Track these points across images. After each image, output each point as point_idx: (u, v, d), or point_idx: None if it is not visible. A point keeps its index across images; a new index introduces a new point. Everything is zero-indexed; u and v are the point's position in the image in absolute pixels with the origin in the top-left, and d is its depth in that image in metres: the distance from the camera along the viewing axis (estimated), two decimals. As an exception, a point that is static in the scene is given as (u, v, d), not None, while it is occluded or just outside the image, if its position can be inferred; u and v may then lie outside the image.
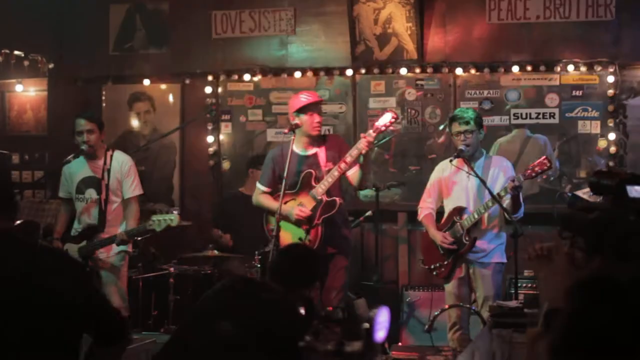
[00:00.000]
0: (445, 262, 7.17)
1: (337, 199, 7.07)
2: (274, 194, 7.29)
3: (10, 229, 3.77)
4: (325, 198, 7.03)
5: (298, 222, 7.01)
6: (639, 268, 2.02)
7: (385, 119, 6.88)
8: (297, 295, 4.50)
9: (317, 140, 7.24)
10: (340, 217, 7.21)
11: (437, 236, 7.18)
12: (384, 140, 8.49)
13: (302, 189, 7.02)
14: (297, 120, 7.14)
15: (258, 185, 7.44)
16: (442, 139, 8.92)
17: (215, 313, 4.30)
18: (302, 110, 7.14)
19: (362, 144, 6.79)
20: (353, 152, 6.86)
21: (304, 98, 7.19)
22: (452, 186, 7.23)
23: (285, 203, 7.05)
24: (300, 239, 6.91)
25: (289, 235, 7.10)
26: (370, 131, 6.87)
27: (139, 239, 8.37)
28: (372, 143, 6.84)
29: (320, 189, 7.02)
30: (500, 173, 7.10)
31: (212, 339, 4.10)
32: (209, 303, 4.52)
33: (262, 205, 7.36)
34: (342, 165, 6.90)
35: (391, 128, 7.06)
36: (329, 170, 7.01)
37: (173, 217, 7.33)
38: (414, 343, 8.28)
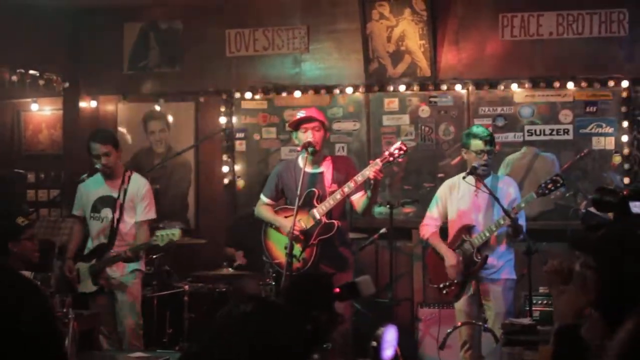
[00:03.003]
0: (455, 281, 7.13)
1: (335, 222, 6.97)
2: (275, 207, 7.30)
3: None
4: (324, 219, 6.97)
5: (295, 239, 6.94)
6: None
7: (394, 150, 6.80)
8: (307, 316, 4.50)
9: (323, 158, 7.20)
10: (340, 238, 7.11)
11: (451, 259, 7.14)
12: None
13: (303, 207, 6.94)
14: (296, 140, 7.13)
15: (261, 196, 7.41)
16: (455, 160, 8.89)
17: (226, 332, 4.31)
18: (295, 127, 7.11)
19: (368, 171, 6.72)
20: (358, 177, 6.79)
21: (298, 115, 7.16)
22: (461, 203, 7.22)
23: (285, 218, 7.09)
24: (285, 247, 6.86)
25: (274, 244, 7.16)
26: (378, 160, 6.75)
27: (154, 256, 8.41)
28: (379, 172, 6.72)
29: (321, 209, 6.95)
30: (507, 192, 7.11)
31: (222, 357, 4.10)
32: (219, 323, 4.53)
33: (262, 217, 7.34)
34: (345, 189, 6.86)
35: (399, 160, 6.96)
36: (333, 192, 6.95)
37: (175, 232, 7.31)
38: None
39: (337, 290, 4.17)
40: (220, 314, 4.64)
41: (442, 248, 7.23)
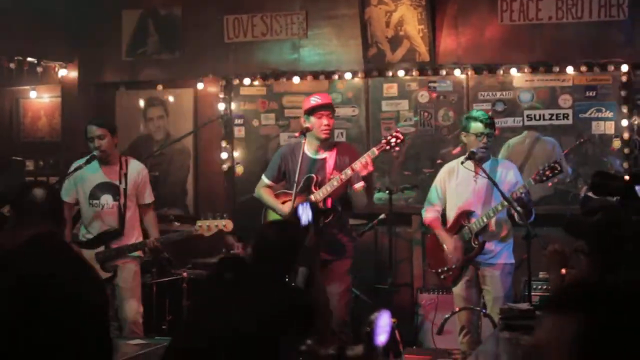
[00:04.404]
0: (453, 266, 7.15)
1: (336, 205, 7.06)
2: (275, 189, 7.33)
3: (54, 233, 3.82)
4: (321, 205, 7.01)
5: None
6: (634, 270, 1.98)
7: (391, 139, 6.92)
8: (287, 270, 4.58)
9: (328, 145, 7.24)
10: (339, 224, 7.17)
11: (449, 244, 7.16)
12: None
13: (301, 192, 6.99)
14: (307, 123, 7.16)
15: (263, 177, 7.46)
16: (456, 150, 8.85)
17: (211, 310, 4.38)
18: (310, 112, 7.15)
19: (358, 164, 6.79)
20: (355, 165, 6.85)
21: (313, 100, 7.22)
22: (460, 189, 7.23)
23: (283, 203, 7.16)
24: None
25: None
26: (374, 149, 6.93)
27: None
28: (368, 165, 6.85)
29: (318, 195, 6.99)
30: (507, 176, 7.10)
31: (210, 336, 4.16)
32: (203, 300, 4.61)
33: (262, 199, 7.39)
34: (343, 176, 6.90)
35: (396, 148, 7.06)
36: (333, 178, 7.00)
37: (226, 223, 7.35)
38: (427, 346, 8.24)
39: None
40: (203, 289, 4.72)
41: (441, 234, 7.25)
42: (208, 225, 7.36)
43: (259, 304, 4.33)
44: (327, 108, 7.16)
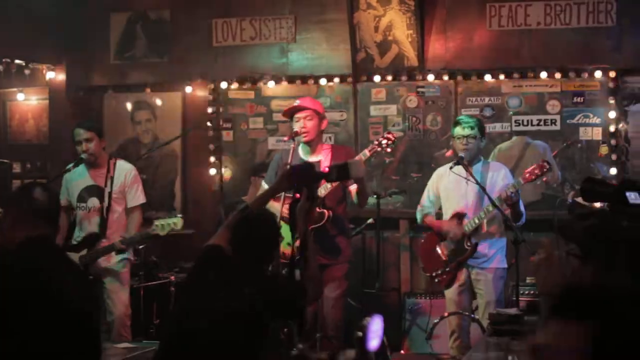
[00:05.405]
0: (447, 269, 7.18)
1: (325, 211, 7.03)
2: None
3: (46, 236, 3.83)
4: (318, 209, 7.00)
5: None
6: (625, 276, 1.97)
7: (383, 140, 6.96)
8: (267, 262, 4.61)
9: (322, 148, 7.24)
10: (336, 227, 7.16)
11: (446, 225, 7.19)
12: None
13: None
14: (294, 128, 7.18)
15: (262, 183, 7.46)
16: (449, 152, 8.84)
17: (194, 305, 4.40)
18: (289, 116, 7.22)
19: None
20: None
21: (294, 103, 7.27)
22: (451, 192, 7.26)
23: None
24: (288, 243, 6.88)
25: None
26: (366, 151, 6.99)
27: (140, 247, 8.37)
28: (364, 162, 6.90)
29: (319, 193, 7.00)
30: (498, 177, 7.14)
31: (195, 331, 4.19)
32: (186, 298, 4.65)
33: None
34: None
35: (388, 150, 7.10)
36: None
37: (177, 220, 7.32)
38: (415, 351, 8.24)
39: (326, 170, 4.24)
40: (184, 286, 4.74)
41: (435, 223, 7.30)
42: (162, 225, 7.33)
43: (239, 297, 4.35)
44: (301, 110, 7.15)
